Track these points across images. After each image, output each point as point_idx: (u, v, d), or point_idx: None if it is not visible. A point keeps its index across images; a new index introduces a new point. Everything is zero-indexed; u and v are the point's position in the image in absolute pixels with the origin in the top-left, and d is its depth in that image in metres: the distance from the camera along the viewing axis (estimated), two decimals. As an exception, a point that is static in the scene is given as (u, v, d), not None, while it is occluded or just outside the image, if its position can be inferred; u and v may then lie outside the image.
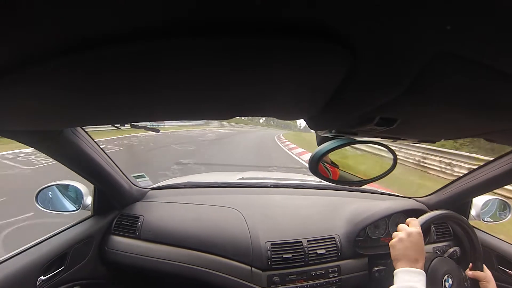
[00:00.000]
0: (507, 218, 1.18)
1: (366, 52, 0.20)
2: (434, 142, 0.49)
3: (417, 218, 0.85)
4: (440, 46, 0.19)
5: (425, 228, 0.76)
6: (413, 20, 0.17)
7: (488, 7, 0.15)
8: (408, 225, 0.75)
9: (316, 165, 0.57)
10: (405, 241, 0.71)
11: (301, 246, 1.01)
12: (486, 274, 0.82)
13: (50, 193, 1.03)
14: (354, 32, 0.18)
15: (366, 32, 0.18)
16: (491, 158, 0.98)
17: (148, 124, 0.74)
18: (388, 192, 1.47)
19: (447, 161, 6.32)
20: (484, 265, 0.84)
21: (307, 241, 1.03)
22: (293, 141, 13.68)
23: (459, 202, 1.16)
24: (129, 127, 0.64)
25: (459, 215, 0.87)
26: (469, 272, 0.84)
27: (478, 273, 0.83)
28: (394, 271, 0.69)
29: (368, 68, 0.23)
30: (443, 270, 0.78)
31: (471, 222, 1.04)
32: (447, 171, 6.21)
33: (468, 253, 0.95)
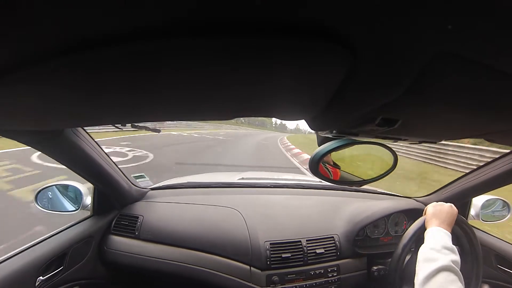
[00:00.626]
0: (506, 218, 1.19)
1: (366, 52, 0.20)
2: (435, 143, 0.49)
3: (416, 218, 0.85)
4: (440, 46, 0.19)
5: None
6: (413, 20, 0.17)
7: (488, 7, 0.15)
8: None
9: (317, 165, 0.57)
10: (446, 207, 0.83)
11: (300, 246, 1.01)
12: None
13: (50, 193, 1.03)
14: (354, 32, 0.18)
15: (366, 32, 0.18)
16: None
17: (149, 124, 0.74)
18: (387, 192, 1.47)
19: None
20: None
21: (306, 240, 1.03)
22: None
23: (458, 202, 1.17)
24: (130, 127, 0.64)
25: (458, 215, 0.88)
26: None
27: None
28: (426, 230, 0.78)
29: (368, 68, 0.23)
30: None
31: (470, 222, 1.04)
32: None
33: (467, 253, 0.95)
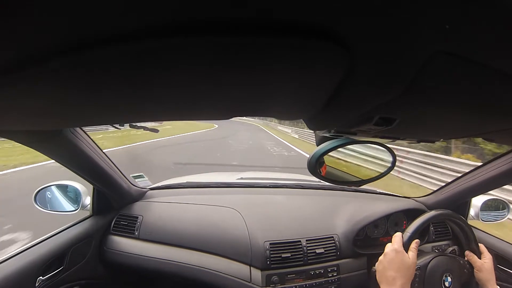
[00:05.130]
0: (505, 218, 1.19)
1: (365, 52, 0.20)
2: (434, 142, 0.49)
3: (415, 218, 0.85)
4: (440, 45, 0.19)
5: (424, 229, 0.76)
6: (412, 19, 0.17)
7: (488, 7, 0.15)
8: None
9: (315, 165, 0.57)
10: (383, 262, 0.73)
11: (300, 246, 1.01)
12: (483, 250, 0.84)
13: (49, 193, 1.03)
14: (353, 32, 0.18)
15: (365, 32, 0.18)
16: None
17: (147, 124, 0.73)
18: (387, 192, 1.47)
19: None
20: (482, 245, 0.85)
21: (306, 240, 1.03)
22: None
23: (457, 202, 1.17)
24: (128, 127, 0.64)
25: (448, 212, 0.86)
26: (466, 252, 0.85)
27: (474, 256, 0.84)
28: None
29: (367, 68, 0.23)
30: (442, 269, 0.78)
31: (470, 222, 1.04)
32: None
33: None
